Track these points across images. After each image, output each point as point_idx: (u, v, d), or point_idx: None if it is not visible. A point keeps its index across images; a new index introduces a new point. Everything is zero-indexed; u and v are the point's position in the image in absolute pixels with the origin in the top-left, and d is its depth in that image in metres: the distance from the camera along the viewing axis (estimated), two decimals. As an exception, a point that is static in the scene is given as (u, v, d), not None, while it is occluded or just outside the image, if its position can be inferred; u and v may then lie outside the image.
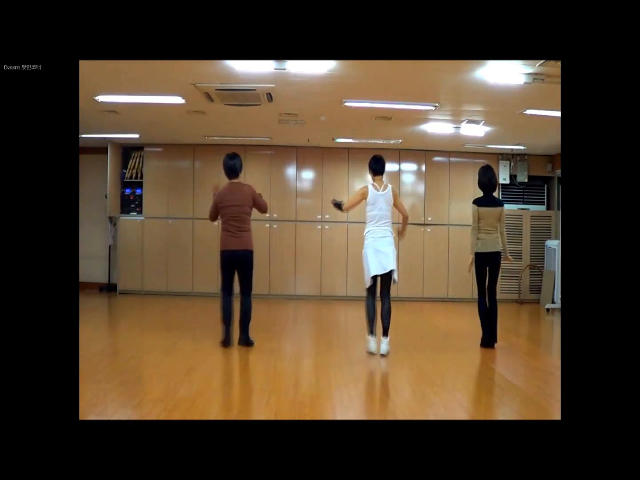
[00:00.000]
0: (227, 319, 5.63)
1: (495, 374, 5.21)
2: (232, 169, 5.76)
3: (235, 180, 5.78)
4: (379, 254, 5.47)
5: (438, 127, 7.51)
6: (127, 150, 9.67)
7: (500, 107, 6.32)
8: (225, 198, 5.70)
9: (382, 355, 5.40)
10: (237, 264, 5.66)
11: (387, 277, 5.51)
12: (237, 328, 5.69)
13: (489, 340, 5.94)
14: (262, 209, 5.87)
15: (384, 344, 5.44)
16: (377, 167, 5.65)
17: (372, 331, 5.50)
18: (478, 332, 6.29)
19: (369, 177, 5.80)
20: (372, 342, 5.48)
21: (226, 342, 5.60)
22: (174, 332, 6.51)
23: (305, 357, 5.51)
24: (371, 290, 5.56)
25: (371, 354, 5.46)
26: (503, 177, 9.56)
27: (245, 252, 5.65)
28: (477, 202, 5.97)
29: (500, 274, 6.11)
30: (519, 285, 9.53)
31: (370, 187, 5.58)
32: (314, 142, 9.19)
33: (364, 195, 5.60)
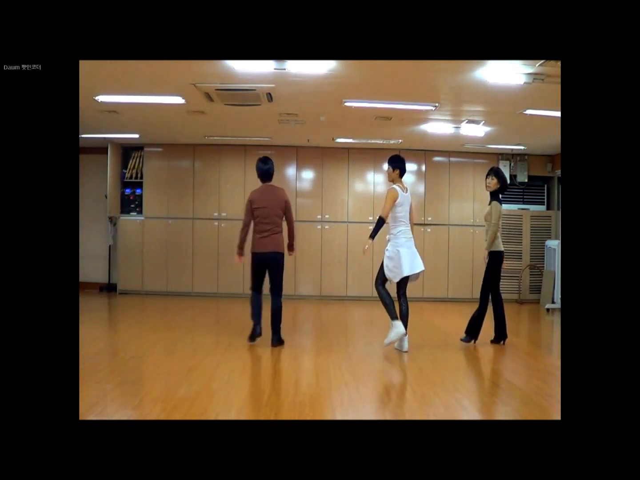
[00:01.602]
0: (257, 316, 5.76)
1: (495, 374, 5.21)
2: (267, 174, 5.87)
3: (268, 184, 5.89)
4: (413, 255, 5.62)
5: (438, 127, 7.50)
6: (127, 150, 9.66)
7: (500, 107, 6.31)
8: (258, 200, 5.79)
9: (405, 352, 5.51)
10: (267, 265, 5.76)
11: (405, 278, 5.63)
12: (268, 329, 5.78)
13: (499, 337, 6.05)
14: (290, 224, 5.88)
15: (405, 342, 5.56)
16: (404, 167, 5.77)
17: (396, 316, 5.51)
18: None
19: (384, 177, 5.88)
20: (401, 327, 5.47)
21: (253, 336, 5.73)
22: (174, 332, 6.51)
23: (305, 357, 5.51)
24: (384, 282, 5.67)
25: (403, 335, 5.50)
26: (503, 177, 9.56)
27: (275, 253, 5.73)
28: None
29: (500, 274, 6.10)
30: (519, 285, 9.53)
31: (398, 189, 5.66)
32: (314, 142, 9.18)
33: (394, 198, 5.61)
